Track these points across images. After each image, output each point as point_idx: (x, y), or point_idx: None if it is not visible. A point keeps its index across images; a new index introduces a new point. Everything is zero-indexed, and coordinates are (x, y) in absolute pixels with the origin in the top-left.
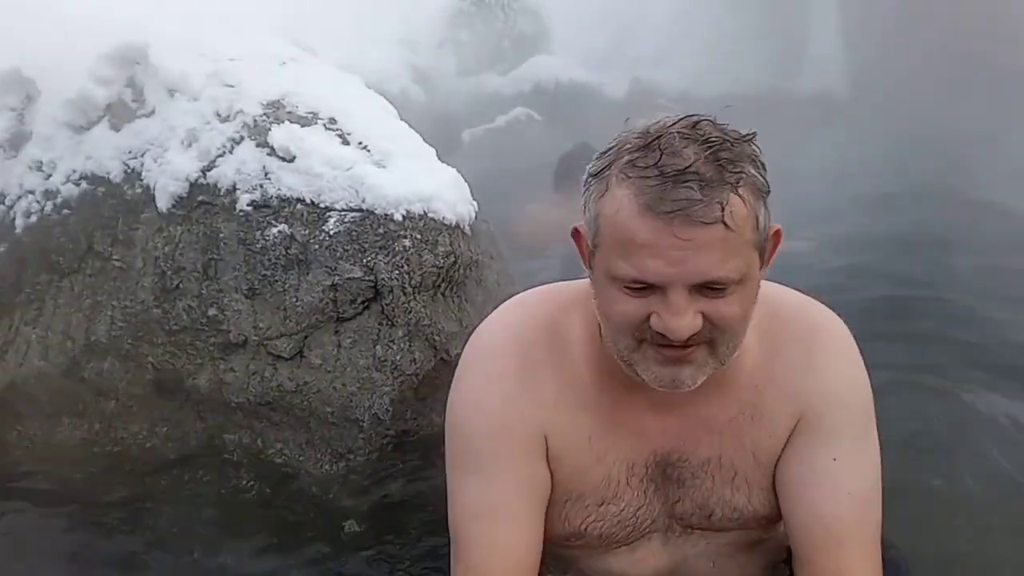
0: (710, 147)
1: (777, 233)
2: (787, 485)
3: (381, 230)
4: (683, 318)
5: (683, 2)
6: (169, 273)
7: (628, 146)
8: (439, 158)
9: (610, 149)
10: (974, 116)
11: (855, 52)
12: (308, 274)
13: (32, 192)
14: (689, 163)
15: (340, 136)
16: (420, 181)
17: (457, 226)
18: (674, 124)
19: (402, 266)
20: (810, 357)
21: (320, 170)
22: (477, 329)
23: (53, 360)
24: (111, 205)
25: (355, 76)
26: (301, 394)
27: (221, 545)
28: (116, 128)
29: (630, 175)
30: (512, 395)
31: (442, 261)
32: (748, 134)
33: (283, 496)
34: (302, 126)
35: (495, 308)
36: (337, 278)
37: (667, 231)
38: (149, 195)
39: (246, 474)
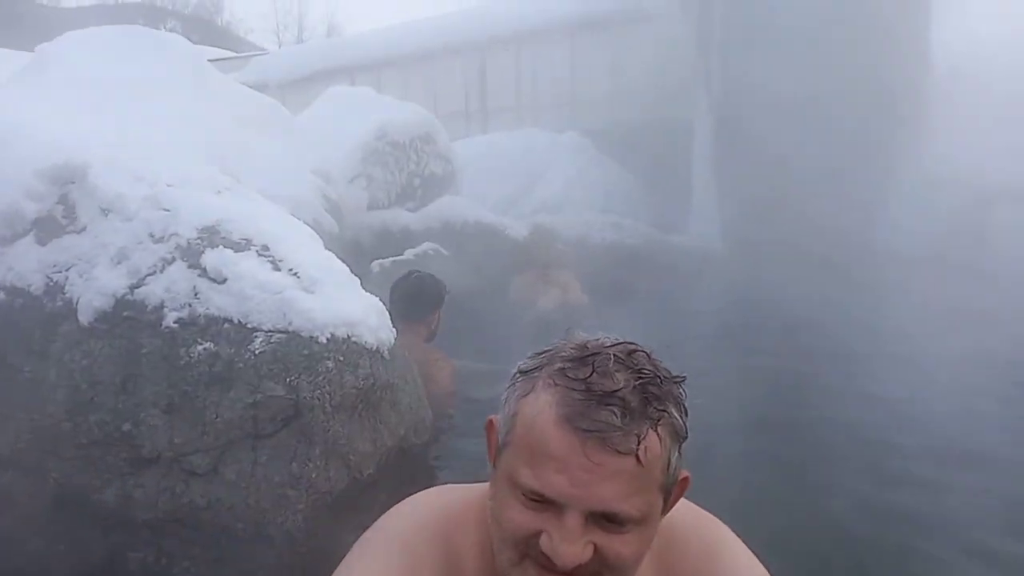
0: (641, 378)
1: (685, 480)
2: None
3: (306, 351)
4: (573, 545)
5: (581, 160)
6: (84, 387)
7: (563, 354)
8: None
9: (545, 352)
10: (830, 286)
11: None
12: (231, 391)
13: None
14: (618, 387)
15: (271, 262)
16: (346, 307)
17: (377, 350)
18: (612, 346)
19: (324, 386)
20: None
21: (251, 293)
22: (366, 533)
23: None
24: (28, 317)
25: (282, 207)
26: (212, 510)
27: None
28: (42, 242)
29: (558, 383)
30: None
31: (362, 383)
32: (678, 376)
33: None
34: (235, 251)
35: (384, 513)
36: (259, 396)
37: (580, 449)
38: (70, 309)
39: None
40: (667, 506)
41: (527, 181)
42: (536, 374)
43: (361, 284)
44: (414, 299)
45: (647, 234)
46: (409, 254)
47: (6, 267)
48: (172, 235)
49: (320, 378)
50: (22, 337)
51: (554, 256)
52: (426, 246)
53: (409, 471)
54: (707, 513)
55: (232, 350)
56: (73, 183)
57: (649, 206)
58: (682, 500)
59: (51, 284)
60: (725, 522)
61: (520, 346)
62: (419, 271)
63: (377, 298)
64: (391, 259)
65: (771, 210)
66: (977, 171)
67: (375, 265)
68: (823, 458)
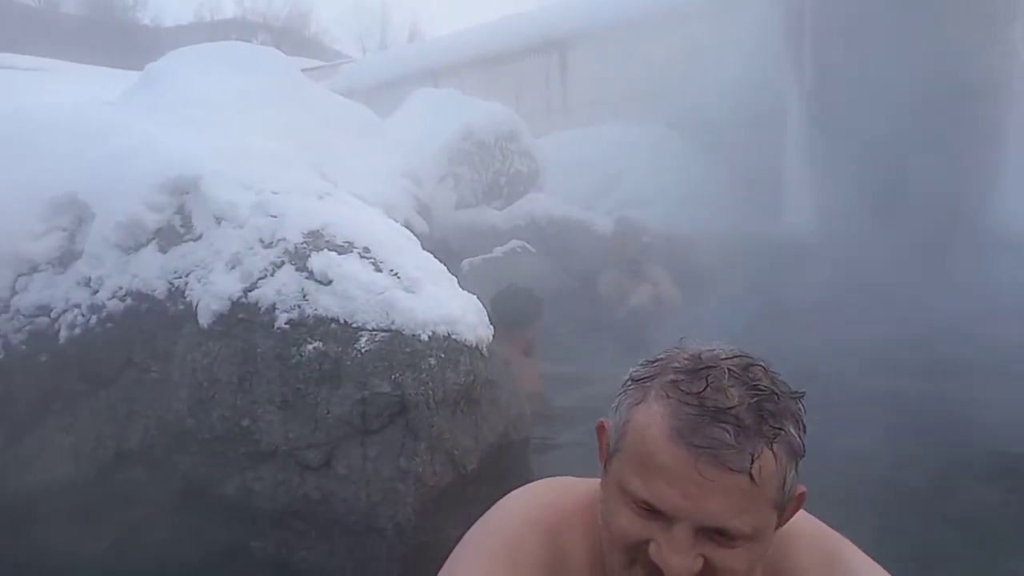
0: (757, 395)
1: (801, 496)
2: None
3: (408, 349)
4: (683, 557)
5: (666, 153)
6: (205, 385)
7: (676, 365)
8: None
9: (658, 360)
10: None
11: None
12: (339, 388)
13: (78, 306)
14: (732, 404)
15: (373, 264)
16: (445, 306)
17: (477, 347)
18: (728, 359)
19: (427, 383)
20: None
21: (355, 293)
22: (473, 527)
23: (83, 467)
24: (153, 320)
25: (380, 209)
26: (326, 503)
27: None
28: (163, 250)
29: (671, 395)
30: None
31: (463, 379)
32: (797, 392)
33: None
34: (339, 254)
35: (492, 507)
36: (367, 392)
37: (691, 464)
38: (191, 312)
39: None
40: (781, 521)
41: (612, 176)
42: (648, 383)
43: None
44: (511, 314)
45: (737, 225)
46: (497, 251)
47: (131, 274)
48: (280, 240)
49: (423, 375)
50: (148, 339)
51: (643, 250)
52: (513, 243)
53: (510, 467)
54: (825, 525)
55: (340, 349)
56: (188, 194)
57: (738, 198)
58: (803, 513)
59: (172, 289)
60: (846, 535)
61: (612, 346)
62: (517, 285)
63: (475, 296)
64: (480, 257)
65: (872, 197)
66: None
67: (465, 264)
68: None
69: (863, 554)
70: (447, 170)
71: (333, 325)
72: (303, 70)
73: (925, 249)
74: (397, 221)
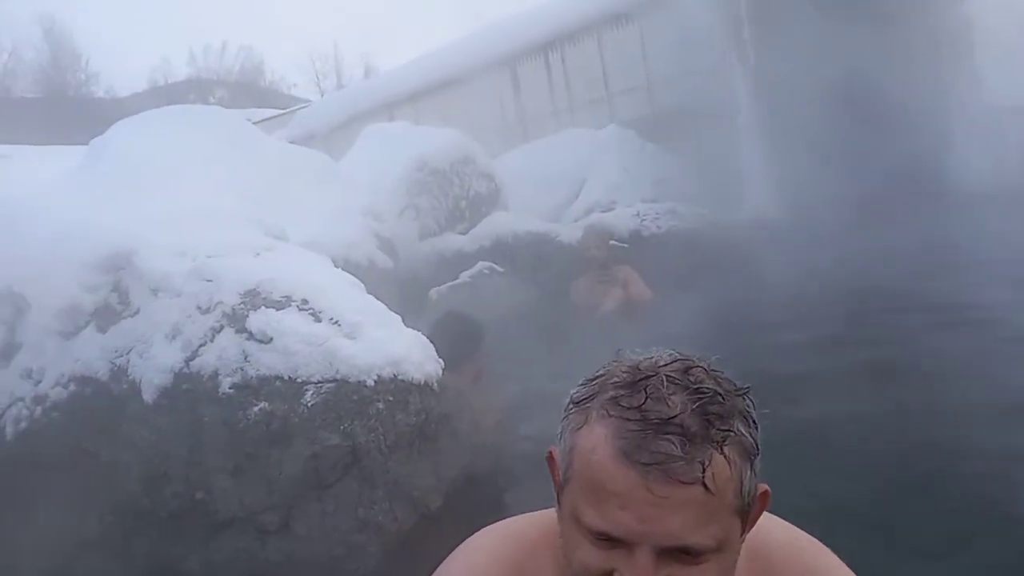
0: (700, 398)
1: (764, 495)
2: None
3: (355, 397)
4: None
5: (626, 152)
6: (156, 461)
7: (615, 380)
8: (406, 322)
9: (596, 378)
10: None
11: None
12: (290, 447)
13: (22, 399)
14: (674, 413)
15: (312, 314)
16: (388, 347)
17: (426, 384)
18: (666, 365)
19: (377, 428)
20: None
21: (296, 348)
22: (440, 567)
23: (45, 562)
24: (98, 403)
25: (323, 256)
26: (289, 565)
27: None
28: (103, 330)
29: (612, 413)
30: None
31: (415, 419)
32: (742, 388)
33: None
34: (277, 310)
35: (457, 547)
36: (317, 447)
37: (641, 484)
38: (135, 389)
39: None
40: (747, 526)
41: (575, 183)
42: (588, 404)
43: (422, 313)
44: (451, 343)
45: (703, 216)
46: (464, 277)
47: (73, 359)
48: (217, 304)
49: (372, 421)
50: (95, 423)
51: (611, 254)
52: (480, 266)
53: (480, 499)
54: (807, 535)
55: (286, 406)
56: (123, 269)
57: (700, 189)
58: (781, 522)
59: (115, 368)
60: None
61: (592, 356)
62: (454, 311)
63: (418, 332)
64: (448, 284)
65: (827, 170)
66: None
67: (433, 293)
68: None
69: (844, 566)
70: (406, 202)
71: (278, 383)
72: (257, 122)
73: (881, 214)
74: (360, 260)
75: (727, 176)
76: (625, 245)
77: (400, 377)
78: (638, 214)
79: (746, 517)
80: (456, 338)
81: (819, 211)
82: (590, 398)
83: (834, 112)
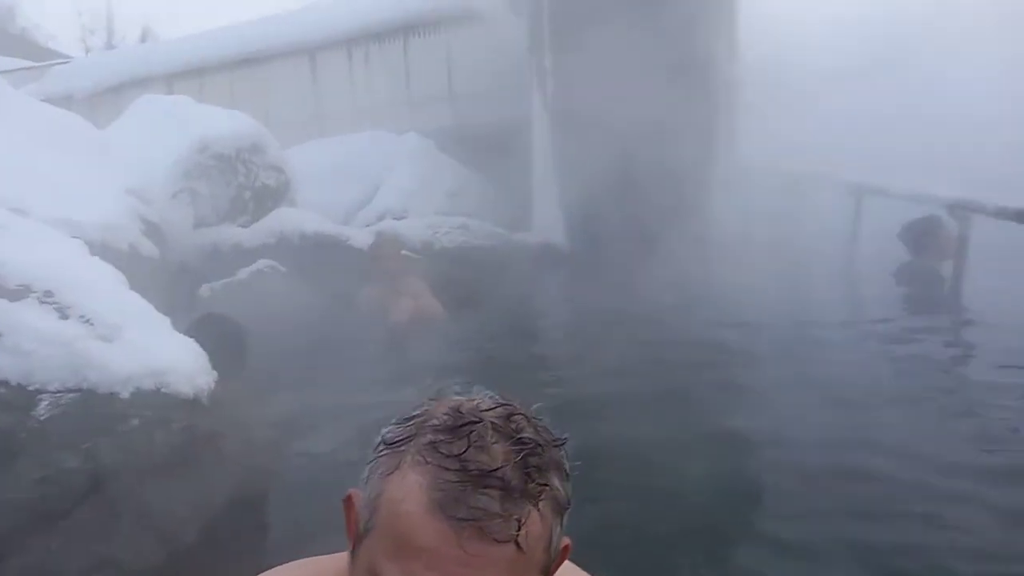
0: (521, 449)
1: (566, 549)
2: None
3: (104, 411)
4: None
5: (423, 162)
6: None
7: (434, 423)
8: (174, 323)
9: (413, 418)
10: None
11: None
12: (12, 467)
13: None
14: (496, 465)
15: (58, 309)
16: (153, 355)
17: (195, 399)
18: (489, 410)
19: (127, 449)
20: None
21: (31, 347)
22: None
23: None
24: None
25: (75, 239)
26: None
27: None
28: None
29: (429, 460)
30: None
31: (177, 439)
32: (560, 439)
33: None
34: (11, 300)
35: None
36: (49, 470)
37: (454, 541)
38: None
39: None
40: None
41: (370, 186)
42: (403, 447)
43: (191, 311)
44: (210, 350)
45: (494, 234)
46: (243, 273)
47: None
48: None
49: (123, 440)
50: None
51: (401, 264)
52: (261, 264)
53: (241, 532)
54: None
55: (12, 419)
56: None
57: (495, 205)
58: (573, 567)
59: None
60: None
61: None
62: (214, 313)
63: (191, 340)
64: (222, 282)
65: (608, 203)
66: (787, 157)
67: (205, 289)
68: None
69: None
70: (181, 185)
71: (3, 390)
72: (1, 72)
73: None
74: (120, 246)
75: (519, 198)
76: (418, 256)
77: (163, 390)
78: (431, 225)
79: (548, 574)
80: (215, 344)
81: (602, 242)
82: (405, 440)
83: (621, 150)
